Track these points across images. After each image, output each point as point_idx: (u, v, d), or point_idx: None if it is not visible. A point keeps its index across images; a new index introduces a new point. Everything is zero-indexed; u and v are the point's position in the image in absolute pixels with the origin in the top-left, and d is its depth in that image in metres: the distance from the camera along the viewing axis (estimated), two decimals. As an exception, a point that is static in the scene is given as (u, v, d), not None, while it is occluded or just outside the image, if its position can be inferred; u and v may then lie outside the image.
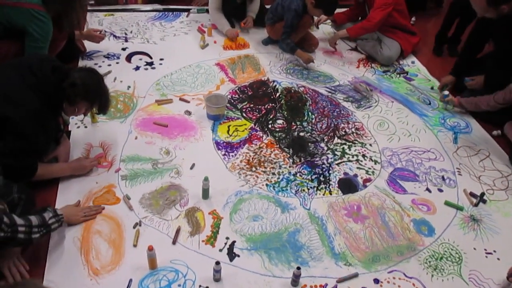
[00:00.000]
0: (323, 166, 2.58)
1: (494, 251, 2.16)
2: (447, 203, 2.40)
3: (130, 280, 1.86)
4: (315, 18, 3.92)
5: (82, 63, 3.25)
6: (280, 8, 3.52)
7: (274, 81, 3.31)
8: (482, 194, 2.45)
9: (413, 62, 3.73)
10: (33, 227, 1.70)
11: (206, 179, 2.21)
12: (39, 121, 2.02)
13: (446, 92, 3.13)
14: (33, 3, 2.46)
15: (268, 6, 3.81)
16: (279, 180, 2.44)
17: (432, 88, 3.41)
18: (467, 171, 2.64)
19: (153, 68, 3.31)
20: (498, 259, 2.13)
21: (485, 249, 2.17)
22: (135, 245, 2.00)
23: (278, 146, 2.69)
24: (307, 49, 3.70)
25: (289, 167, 2.54)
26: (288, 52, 3.62)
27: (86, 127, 2.65)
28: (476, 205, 2.41)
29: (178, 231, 2.08)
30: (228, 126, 2.80)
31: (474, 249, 2.17)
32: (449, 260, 2.10)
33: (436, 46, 3.93)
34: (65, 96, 2.09)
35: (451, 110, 3.13)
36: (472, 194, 2.47)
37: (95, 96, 2.18)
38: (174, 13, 4.14)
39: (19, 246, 1.81)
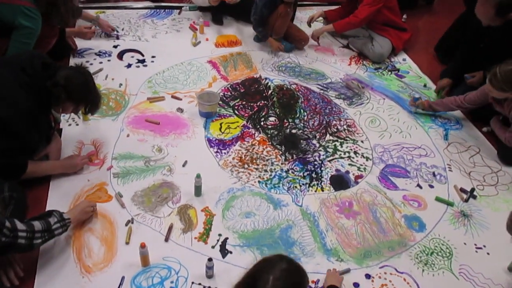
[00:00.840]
0: (315, 163, 2.59)
1: (484, 246, 2.19)
2: (437, 199, 2.42)
3: (123, 278, 1.86)
4: (309, 15, 3.92)
5: (73, 60, 3.23)
6: (259, 1, 3.47)
7: (266, 79, 3.32)
8: (472, 189, 2.48)
9: (404, 60, 3.74)
10: (36, 233, 1.66)
11: (198, 176, 2.22)
12: (31, 119, 2.01)
13: (417, 95, 3.12)
14: (24, 0, 2.44)
15: None
16: (271, 177, 2.45)
17: (425, 85, 3.42)
18: (457, 167, 2.67)
19: (145, 65, 3.29)
20: (488, 253, 2.16)
21: (475, 244, 2.20)
22: (127, 243, 2.00)
23: (270, 143, 2.70)
24: (297, 45, 3.71)
25: (281, 164, 2.55)
26: (261, 40, 3.63)
27: (77, 125, 2.63)
28: (466, 200, 2.43)
29: (170, 228, 2.08)
30: (220, 124, 2.80)
31: (464, 244, 2.19)
32: (439, 255, 2.12)
33: (441, 56, 3.75)
34: (50, 95, 2.06)
35: (421, 112, 3.08)
36: (463, 190, 2.49)
37: (80, 97, 2.13)
38: (166, 10, 4.12)
39: (20, 253, 1.76)
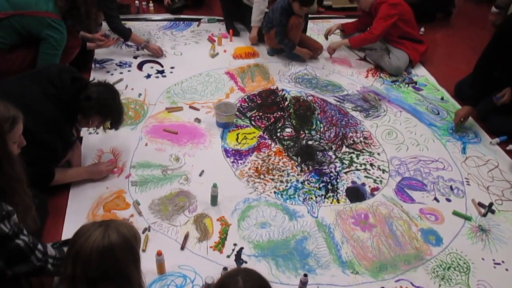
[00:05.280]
0: (331, 174, 2.59)
1: (503, 262, 2.15)
2: (455, 213, 2.40)
3: (139, 285, 1.88)
4: (327, 29, 3.95)
5: (94, 71, 3.31)
6: (270, 13, 3.57)
7: (283, 90, 3.34)
8: (491, 204, 2.45)
9: (411, 72, 3.71)
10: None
11: (214, 186, 2.24)
12: (57, 131, 2.08)
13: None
14: (50, 11, 2.52)
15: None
16: (287, 188, 2.46)
17: (442, 98, 3.40)
18: (475, 181, 2.64)
19: (164, 76, 3.35)
20: (507, 269, 2.12)
21: (494, 260, 2.16)
22: (144, 250, 2.02)
23: (286, 154, 2.71)
24: (312, 54, 3.73)
25: (297, 175, 2.56)
26: (289, 51, 3.65)
27: (97, 133, 2.68)
28: (484, 215, 2.40)
29: (186, 237, 2.10)
30: (237, 134, 2.83)
31: (482, 259, 2.16)
32: (456, 270, 2.09)
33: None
34: (80, 108, 2.14)
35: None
36: (481, 204, 2.46)
37: (109, 112, 2.22)
38: (185, 22, 4.20)
39: (48, 276, 1.72)
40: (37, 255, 1.50)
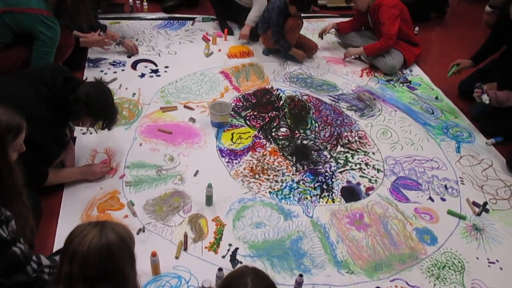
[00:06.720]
0: (326, 174, 2.59)
1: (497, 261, 2.16)
2: (449, 212, 2.40)
3: (133, 286, 1.86)
4: (323, 29, 3.94)
5: (88, 70, 3.28)
6: (266, 14, 3.56)
7: (277, 89, 3.33)
8: (485, 203, 2.45)
9: (411, 71, 3.72)
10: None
11: (209, 186, 2.23)
12: (50, 131, 2.06)
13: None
14: (41, 8, 2.50)
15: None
16: (282, 187, 2.45)
17: (436, 97, 3.41)
18: (470, 180, 2.64)
19: (158, 75, 3.34)
20: (501, 268, 2.13)
21: (488, 259, 2.17)
22: (177, 257, 2.01)
23: (281, 154, 2.70)
24: (307, 53, 3.72)
25: (292, 175, 2.55)
26: (284, 52, 3.64)
27: (91, 133, 2.67)
28: (479, 214, 2.41)
29: (186, 237, 2.09)
30: (232, 134, 2.82)
31: (477, 258, 2.16)
32: (451, 269, 2.10)
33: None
34: (70, 110, 2.11)
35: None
36: (475, 204, 2.47)
37: (99, 113, 2.17)
38: (179, 21, 4.18)
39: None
40: (32, 266, 1.50)
